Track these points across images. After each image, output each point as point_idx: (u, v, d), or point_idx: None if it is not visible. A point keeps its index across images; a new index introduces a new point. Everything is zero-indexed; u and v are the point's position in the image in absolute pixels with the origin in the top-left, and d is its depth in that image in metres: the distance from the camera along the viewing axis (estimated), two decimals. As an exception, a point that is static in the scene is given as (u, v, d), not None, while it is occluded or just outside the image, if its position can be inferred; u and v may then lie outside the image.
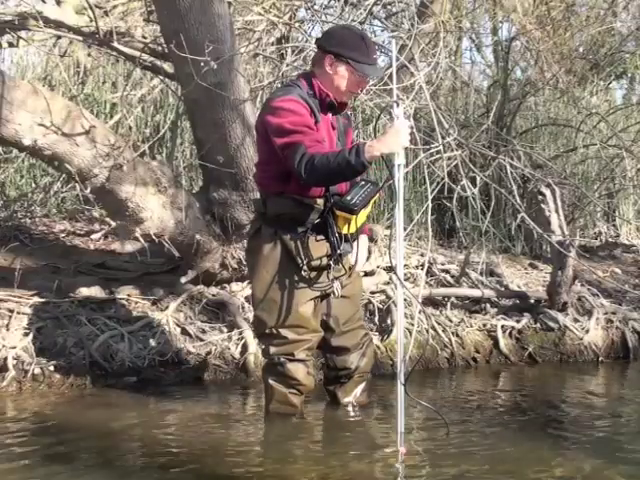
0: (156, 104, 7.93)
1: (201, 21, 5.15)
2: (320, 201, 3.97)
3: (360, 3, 7.46)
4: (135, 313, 5.59)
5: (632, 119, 9.64)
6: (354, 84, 4.04)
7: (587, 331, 6.25)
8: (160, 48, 5.96)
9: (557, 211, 6.31)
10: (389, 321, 5.88)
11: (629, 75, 12.08)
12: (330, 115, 4.06)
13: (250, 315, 5.38)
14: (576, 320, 6.35)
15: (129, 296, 5.71)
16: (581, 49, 11.40)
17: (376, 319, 5.95)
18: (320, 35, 4.64)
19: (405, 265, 6.59)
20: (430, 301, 6.31)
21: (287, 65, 6.36)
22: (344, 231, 4.00)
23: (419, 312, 5.66)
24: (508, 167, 6.62)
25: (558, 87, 9.61)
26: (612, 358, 6.25)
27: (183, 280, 5.70)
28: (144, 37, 6.19)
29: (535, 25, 9.53)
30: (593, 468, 3.62)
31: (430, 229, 5.24)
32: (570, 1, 10.72)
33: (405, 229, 6.22)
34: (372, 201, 4.04)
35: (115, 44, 5.80)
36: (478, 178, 6.28)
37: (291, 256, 3.98)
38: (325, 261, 4.01)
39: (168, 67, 6.11)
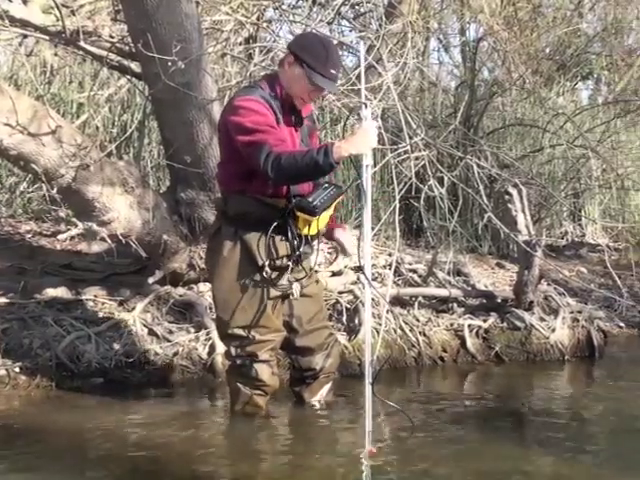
0: (123, 104, 7.88)
1: (168, 20, 5.13)
2: (282, 201, 3.97)
3: (328, 3, 7.47)
4: (102, 314, 5.55)
5: (598, 119, 9.74)
6: (304, 90, 4.01)
7: (553, 330, 6.29)
8: (127, 48, 5.92)
9: (523, 211, 6.36)
10: (357, 321, 5.89)
11: (595, 76, 12.20)
12: (293, 118, 4.06)
13: (218, 316, 5.37)
14: (542, 319, 6.38)
15: (96, 297, 5.67)
16: (548, 50, 11.50)
17: (344, 319, 5.95)
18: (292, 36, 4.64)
19: (373, 265, 6.59)
20: (398, 301, 6.33)
21: (255, 65, 6.36)
22: (304, 232, 4.01)
23: (387, 312, 5.69)
24: (475, 167, 6.66)
25: (525, 87, 9.69)
26: (578, 357, 6.30)
27: (150, 280, 5.67)
28: (111, 36, 6.14)
29: (502, 26, 9.60)
30: (559, 466, 3.66)
31: (398, 229, 5.26)
32: (537, 2, 10.80)
33: (373, 229, 6.24)
34: (334, 204, 4.04)
35: (82, 43, 5.75)
36: (445, 178, 6.31)
37: (252, 256, 3.97)
38: (285, 262, 4.01)
39: (135, 67, 6.07)
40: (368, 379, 3.75)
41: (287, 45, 4.18)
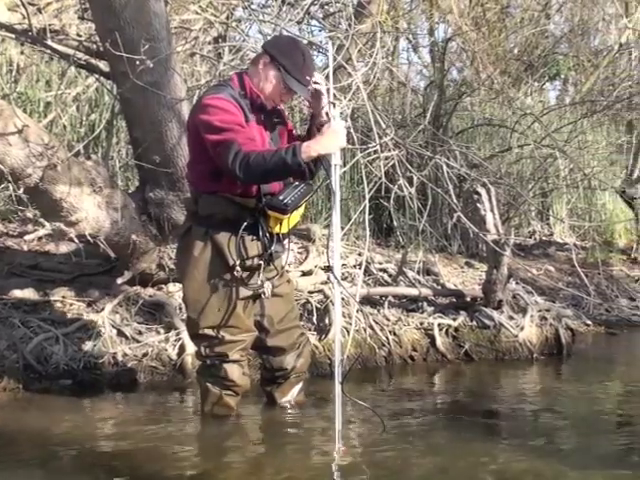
0: (91, 103, 7.82)
1: (137, 19, 5.10)
2: (252, 201, 3.96)
3: (297, 3, 7.47)
4: (70, 315, 5.51)
5: (565, 119, 9.80)
6: (278, 93, 4.03)
7: (522, 328, 6.34)
8: (95, 46, 5.88)
9: (492, 210, 6.38)
10: (327, 320, 5.89)
11: (562, 76, 12.28)
12: (262, 116, 4.05)
13: (187, 316, 5.35)
14: (511, 318, 6.43)
15: (64, 298, 5.63)
16: (516, 50, 11.57)
17: (314, 319, 5.95)
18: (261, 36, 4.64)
19: (343, 264, 6.62)
20: (368, 300, 6.34)
21: (224, 64, 6.34)
22: (276, 231, 4.00)
23: (357, 311, 5.70)
24: (444, 167, 6.68)
25: (493, 88, 9.74)
26: (546, 355, 6.35)
27: (119, 281, 5.64)
28: (79, 35, 6.11)
29: (471, 26, 9.64)
30: (527, 462, 3.67)
31: (367, 228, 5.28)
32: (505, 3, 10.87)
33: (343, 229, 6.25)
34: (305, 202, 4.05)
35: (49, 42, 5.70)
36: (415, 178, 6.33)
37: (222, 256, 3.96)
38: (257, 261, 4.00)
39: (103, 66, 6.03)
40: (338, 378, 3.76)
41: (262, 45, 4.17)
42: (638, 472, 3.58)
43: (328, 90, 4.00)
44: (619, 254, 9.70)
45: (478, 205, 6.39)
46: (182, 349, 5.36)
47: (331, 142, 3.78)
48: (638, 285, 9.02)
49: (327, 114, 3.93)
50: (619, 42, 11.31)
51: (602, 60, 11.79)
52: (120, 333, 5.43)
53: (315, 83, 3.97)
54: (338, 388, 3.75)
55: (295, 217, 4.08)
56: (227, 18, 6.98)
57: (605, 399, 5.16)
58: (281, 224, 4.00)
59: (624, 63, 12.81)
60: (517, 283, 7.06)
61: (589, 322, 7.64)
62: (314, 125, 4.06)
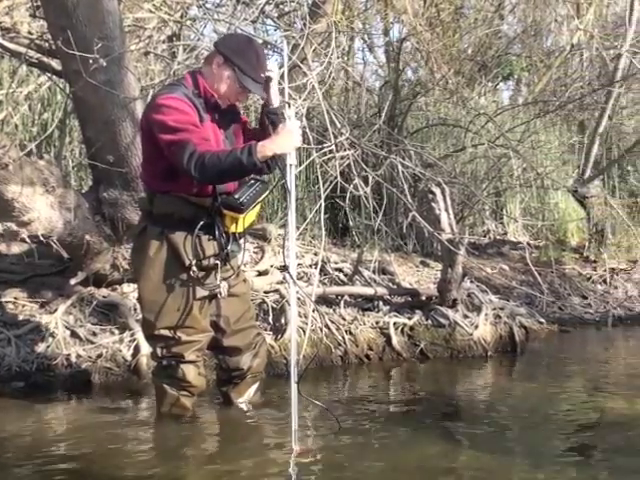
0: (43, 102, 7.73)
1: (89, 17, 5.05)
2: (208, 200, 3.94)
3: (252, 2, 7.44)
4: (22, 316, 5.44)
5: (518, 120, 9.90)
6: (233, 93, 4.02)
7: (476, 327, 6.39)
8: (47, 44, 5.82)
9: (447, 210, 6.43)
10: (283, 320, 5.89)
11: (515, 77, 12.40)
12: (216, 115, 4.03)
13: (142, 316, 5.32)
14: (466, 316, 6.48)
15: (16, 299, 5.56)
16: (469, 51, 11.64)
17: (270, 318, 5.95)
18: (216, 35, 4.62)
19: (299, 264, 6.62)
20: (324, 300, 6.35)
21: (179, 63, 6.31)
22: (232, 230, 3.99)
23: (313, 311, 5.70)
24: (399, 166, 6.71)
25: (447, 88, 9.78)
26: (500, 353, 6.41)
27: (72, 282, 5.58)
28: (30, 33, 6.03)
29: (425, 27, 9.68)
30: (480, 460, 3.70)
31: (323, 228, 5.29)
32: (458, 4, 10.93)
33: (298, 228, 6.26)
34: (261, 200, 4.04)
35: (0, 40, 5.63)
36: (370, 177, 6.35)
37: (178, 256, 3.94)
38: (213, 261, 3.99)
39: (56, 64, 5.97)
40: (294, 378, 3.76)
41: (215, 44, 4.15)
42: (589, 470, 3.63)
43: (283, 90, 4.00)
44: (571, 253, 9.82)
45: (433, 204, 6.43)
46: (137, 350, 5.33)
47: (286, 142, 3.78)
48: (590, 283, 9.15)
49: (282, 114, 3.93)
50: (571, 43, 11.44)
51: (554, 61, 11.92)
52: (74, 334, 5.38)
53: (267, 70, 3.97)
54: (294, 388, 3.76)
55: (251, 216, 4.07)
56: (181, 17, 6.94)
57: (558, 397, 5.21)
58: (237, 223, 3.98)
59: (576, 64, 12.98)
60: (472, 282, 7.11)
61: (542, 320, 7.73)
62: (265, 115, 4.06)
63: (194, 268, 3.94)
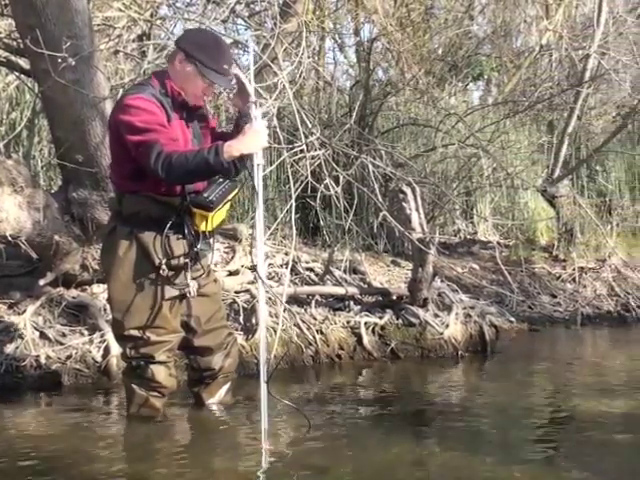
0: (12, 101, 7.66)
1: (58, 16, 5.02)
2: (177, 199, 3.93)
3: (223, 1, 7.43)
4: (-10, 317, 5.40)
5: (488, 119, 9.95)
6: (199, 88, 4.00)
7: (447, 326, 6.42)
8: (15, 43, 5.77)
9: (417, 209, 6.45)
10: (254, 320, 5.87)
11: (485, 77, 12.45)
12: (184, 114, 4.02)
13: (112, 317, 5.29)
14: (436, 315, 6.50)
15: (-16, 300, 5.51)
16: (440, 51, 11.70)
17: (241, 318, 5.94)
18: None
19: (270, 264, 6.62)
20: (295, 299, 6.35)
21: (149, 63, 6.29)
22: (202, 229, 3.98)
23: (284, 311, 5.70)
24: (370, 166, 6.72)
25: (418, 88, 9.83)
26: (471, 352, 6.44)
27: (42, 282, 5.54)
28: (-2, 31, 5.99)
29: (396, 27, 9.72)
30: (450, 458, 3.73)
31: (294, 228, 5.28)
32: (429, 4, 10.97)
33: (269, 228, 6.25)
34: (230, 198, 4.04)
35: (-34, 38, 5.58)
36: (341, 177, 6.35)
37: (148, 255, 3.93)
38: (183, 260, 3.97)
39: (24, 63, 5.92)
40: (263, 378, 3.77)
41: (175, 42, 4.14)
42: (558, 467, 3.66)
43: (253, 89, 3.99)
44: (541, 252, 9.88)
45: (403, 204, 6.45)
46: (107, 351, 5.30)
47: (253, 142, 3.79)
48: (559, 282, 9.21)
49: (249, 114, 3.92)
50: (540, 44, 11.54)
51: (524, 61, 12.01)
52: (43, 335, 5.34)
53: (239, 80, 3.97)
54: (263, 388, 3.76)
55: (221, 214, 4.06)
56: (151, 16, 6.91)
57: (528, 395, 5.25)
58: (207, 222, 3.97)
59: (545, 64, 13.07)
60: (442, 281, 7.14)
61: (512, 319, 7.77)
62: (241, 123, 4.06)
63: (164, 267, 3.93)
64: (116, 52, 7.00)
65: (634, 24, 11.05)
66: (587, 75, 10.21)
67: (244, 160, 3.80)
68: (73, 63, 4.72)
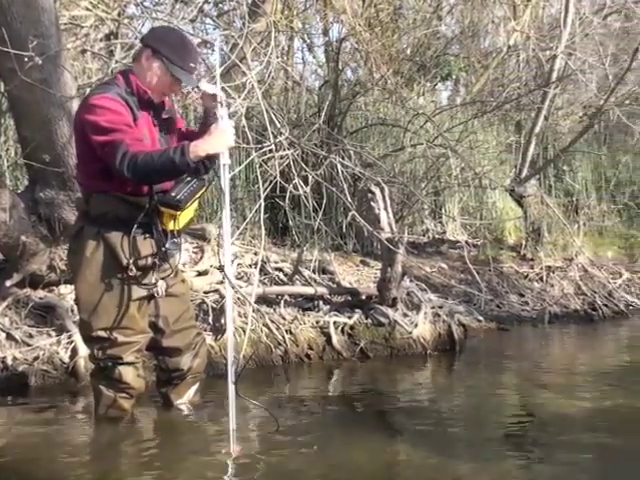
0: (-23, 100, 7.58)
1: (24, 15, 4.99)
2: (144, 199, 3.91)
3: (191, 0, 7.41)
4: (-44, 319, 5.34)
5: (456, 120, 9.98)
6: (165, 84, 4.00)
7: (416, 325, 6.44)
8: (-20, 42, 5.70)
9: (386, 209, 6.47)
10: (223, 320, 5.86)
11: (454, 77, 12.50)
12: (151, 113, 4.01)
13: (80, 318, 5.26)
14: (405, 315, 6.53)
15: (-50, 301, 5.45)
16: (408, 51, 11.73)
17: (210, 319, 5.92)
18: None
19: (239, 264, 6.62)
20: (264, 299, 6.35)
21: (116, 62, 6.25)
22: (170, 228, 3.97)
23: (253, 311, 5.69)
24: (339, 166, 6.73)
25: (387, 88, 9.85)
26: (439, 351, 6.47)
27: (8, 283, 5.50)
28: (-37, 30, 5.91)
29: (364, 27, 9.73)
30: (423, 456, 3.75)
31: (263, 228, 5.27)
32: (397, 4, 11.00)
33: (238, 228, 6.24)
34: (198, 197, 4.03)
35: None
36: (310, 177, 6.35)
37: (115, 256, 3.91)
38: (151, 260, 3.96)
39: (-10, 62, 5.86)
40: (231, 379, 3.76)
41: (141, 40, 4.13)
42: (525, 464, 3.70)
43: (221, 88, 3.98)
44: (509, 251, 9.94)
45: (372, 204, 6.47)
46: (75, 352, 5.27)
47: (219, 142, 3.78)
48: (527, 281, 9.28)
49: (215, 114, 3.92)
50: (508, 44, 11.61)
51: (492, 61, 12.08)
52: (9, 337, 5.30)
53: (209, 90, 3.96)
54: (231, 388, 3.76)
55: (189, 213, 4.06)
56: (119, 15, 6.87)
57: (496, 394, 5.29)
58: (175, 221, 3.96)
59: (513, 64, 13.15)
60: (411, 281, 7.16)
61: (481, 318, 7.82)
62: (208, 124, 4.05)
63: (132, 268, 3.91)
64: (83, 51, 6.95)
65: (600, 25, 11.14)
66: (554, 75, 10.29)
67: (211, 161, 3.80)
68: (40, 62, 4.69)
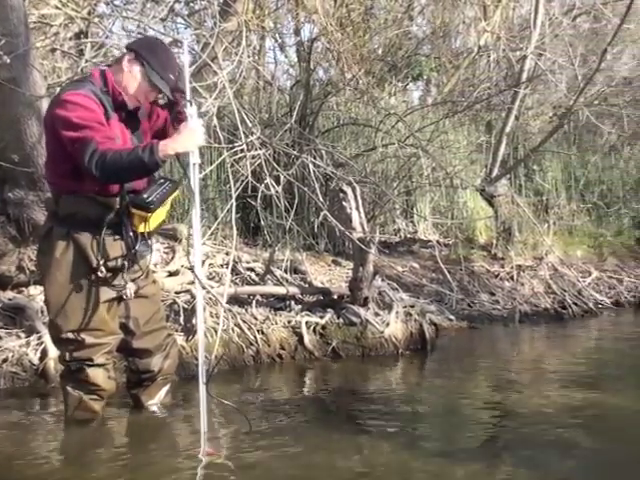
0: (-55, 99, 7.49)
1: (-8, 13, 4.93)
2: (115, 199, 3.89)
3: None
4: None
5: (428, 120, 10.03)
6: (142, 91, 3.97)
7: (387, 324, 6.45)
8: (-52, 40, 5.64)
9: (358, 209, 6.48)
10: (194, 321, 5.83)
11: (425, 77, 12.53)
12: (123, 114, 3.98)
13: (49, 319, 5.21)
14: (377, 314, 6.54)
15: None
16: (380, 51, 11.74)
17: (181, 319, 5.89)
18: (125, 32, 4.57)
19: (210, 264, 6.60)
20: (235, 299, 6.33)
21: (86, 61, 6.20)
22: (140, 229, 3.94)
23: (224, 311, 5.67)
24: (311, 166, 6.73)
25: (358, 88, 9.86)
26: (411, 350, 6.49)
27: (-23, 284, 5.45)
28: None
29: (336, 27, 9.73)
30: (394, 456, 3.76)
31: (235, 228, 5.26)
32: (369, 4, 11.01)
33: (210, 228, 6.23)
34: (170, 199, 4.01)
35: None
36: (282, 177, 6.36)
37: (85, 257, 3.88)
38: (121, 261, 3.93)
39: (-43, 60, 5.80)
40: (202, 379, 3.76)
41: (126, 46, 4.12)
42: (495, 462, 3.71)
43: (182, 88, 3.96)
44: (480, 250, 10.00)
45: (344, 204, 6.48)
46: (44, 353, 5.22)
47: (189, 141, 3.77)
48: (498, 280, 9.33)
49: (184, 112, 3.90)
50: (478, 44, 11.66)
51: (462, 62, 12.13)
52: (-22, 338, 5.24)
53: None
54: (203, 389, 3.75)
55: (160, 215, 4.03)
56: (89, 14, 6.82)
57: (467, 392, 5.32)
58: (146, 222, 3.94)
59: (483, 65, 13.22)
60: (383, 280, 7.18)
61: (452, 317, 7.86)
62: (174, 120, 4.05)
63: (102, 269, 3.88)
64: (53, 50, 6.89)
65: (569, 26, 11.25)
66: (524, 76, 10.36)
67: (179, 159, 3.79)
68: (8, 61, 4.66)
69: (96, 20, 6.94)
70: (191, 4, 9.25)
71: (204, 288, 4.01)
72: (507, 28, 11.66)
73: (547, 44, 10.91)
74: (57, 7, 6.38)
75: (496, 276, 9.42)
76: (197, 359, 5.46)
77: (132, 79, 3.94)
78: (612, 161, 13.53)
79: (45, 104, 5.22)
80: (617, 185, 13.15)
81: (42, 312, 5.45)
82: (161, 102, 4.09)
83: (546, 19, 10.67)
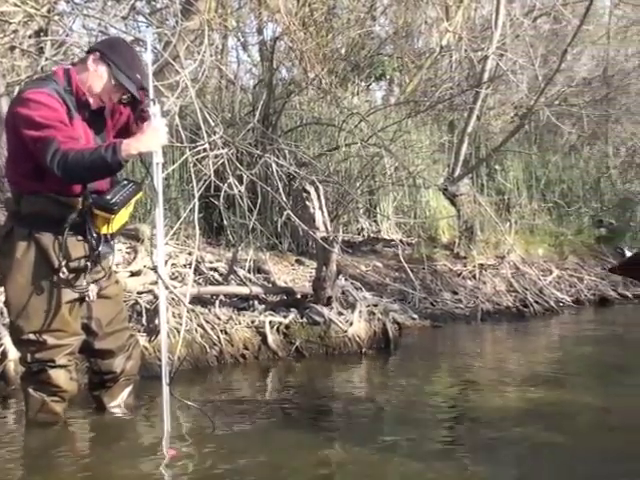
0: None
1: (-50, 11, 4.86)
2: (78, 200, 3.84)
3: (123, -3, 7.31)
4: None
5: (390, 119, 10.06)
6: (107, 91, 3.93)
7: (351, 324, 6.47)
8: None
9: (321, 208, 6.49)
10: (157, 321, 5.78)
11: (388, 77, 12.58)
12: (87, 114, 3.94)
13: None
14: (340, 314, 6.55)
15: None
16: (343, 51, 11.75)
17: (144, 320, 5.85)
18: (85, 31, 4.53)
19: (173, 264, 6.56)
20: (198, 299, 6.31)
21: (46, 59, 6.14)
22: (103, 231, 3.90)
23: (187, 311, 5.65)
24: (274, 165, 6.73)
25: (321, 87, 9.87)
26: (374, 349, 6.52)
27: None
28: None
29: (299, 26, 9.72)
30: (358, 454, 3.76)
31: (197, 227, 5.24)
32: (331, 4, 11.02)
33: (172, 228, 6.19)
34: (134, 200, 3.98)
35: None
36: (245, 176, 6.34)
37: (47, 258, 3.84)
38: (83, 262, 3.90)
39: None
40: (165, 380, 3.73)
41: (91, 47, 4.08)
42: (459, 462, 3.73)
43: (147, 87, 3.93)
44: (442, 250, 10.06)
45: (307, 203, 6.49)
46: (4, 355, 5.15)
47: (152, 140, 3.74)
48: (460, 279, 9.40)
49: (148, 112, 3.87)
50: (440, 45, 11.72)
51: (425, 62, 12.19)
52: (-64, 340, 5.16)
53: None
54: (166, 390, 3.73)
55: (123, 216, 3.99)
56: (49, 11, 6.74)
57: (431, 391, 5.35)
58: (109, 224, 3.90)
59: (445, 65, 13.30)
60: (346, 279, 7.20)
61: (415, 316, 7.90)
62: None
63: (64, 270, 3.84)
64: (12, 48, 6.81)
65: (530, 27, 11.35)
66: (486, 76, 10.45)
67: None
68: (-34, 59, 4.59)
69: (56, 18, 6.86)
70: (153, 2, 9.21)
71: (167, 288, 3.99)
72: (469, 28, 11.74)
73: (508, 44, 11.01)
74: (16, 4, 6.29)
75: (458, 275, 9.48)
76: (160, 360, 5.43)
77: (97, 79, 3.90)
78: (572, 161, 13.70)
79: (4, 102, 5.17)
80: (577, 184, 13.33)
81: (2, 313, 5.37)
82: (124, 100, 4.05)
83: (507, 20, 10.77)
